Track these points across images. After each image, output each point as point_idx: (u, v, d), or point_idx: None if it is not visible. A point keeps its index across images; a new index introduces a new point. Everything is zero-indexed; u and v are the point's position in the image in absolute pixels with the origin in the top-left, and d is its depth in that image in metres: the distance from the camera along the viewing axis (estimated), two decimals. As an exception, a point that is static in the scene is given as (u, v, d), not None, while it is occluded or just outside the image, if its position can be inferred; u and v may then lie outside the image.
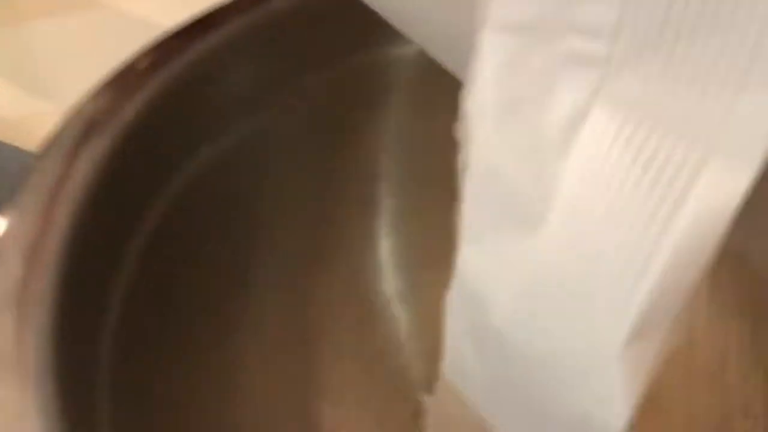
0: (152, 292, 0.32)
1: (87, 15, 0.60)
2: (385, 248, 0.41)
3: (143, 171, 0.32)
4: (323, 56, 0.37)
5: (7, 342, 0.24)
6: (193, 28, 0.33)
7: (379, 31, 0.32)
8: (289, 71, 0.36)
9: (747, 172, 0.20)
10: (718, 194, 0.20)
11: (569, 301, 0.23)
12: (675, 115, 0.21)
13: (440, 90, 0.29)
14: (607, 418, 0.22)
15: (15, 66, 0.55)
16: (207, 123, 0.34)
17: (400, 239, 0.41)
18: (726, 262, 0.25)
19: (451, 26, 0.28)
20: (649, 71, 0.21)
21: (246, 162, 0.36)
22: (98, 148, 0.30)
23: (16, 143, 0.45)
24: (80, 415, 0.25)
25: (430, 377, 0.28)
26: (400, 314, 0.40)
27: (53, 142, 0.30)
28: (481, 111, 0.24)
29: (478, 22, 0.24)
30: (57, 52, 0.56)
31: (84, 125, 0.30)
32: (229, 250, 0.36)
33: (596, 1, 0.22)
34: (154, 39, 0.32)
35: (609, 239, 0.22)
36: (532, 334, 0.24)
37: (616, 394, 0.22)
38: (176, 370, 0.32)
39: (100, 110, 0.31)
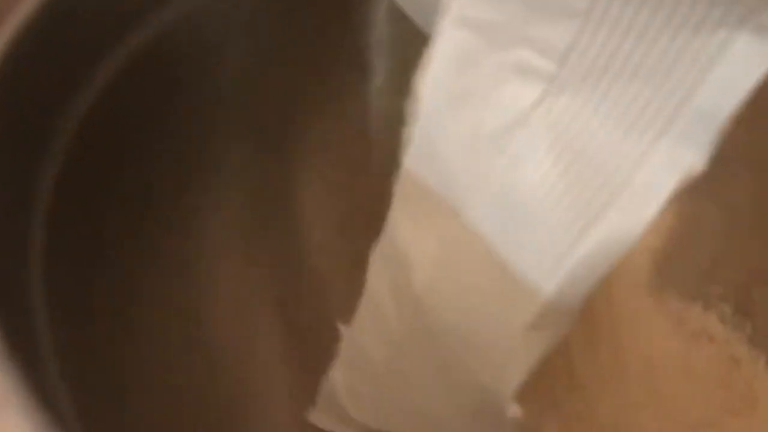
0: (84, 184, 0.31)
1: None
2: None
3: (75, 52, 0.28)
4: None
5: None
6: None
7: None
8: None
9: (644, 219, 0.23)
10: (620, 229, 0.23)
11: (486, 281, 0.25)
12: (599, 147, 0.23)
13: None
14: (502, 389, 0.25)
15: None
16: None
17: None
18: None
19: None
20: (587, 99, 0.23)
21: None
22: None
23: None
24: (16, 319, 0.26)
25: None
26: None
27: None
28: (431, 96, 0.25)
29: (441, 10, 0.25)
30: None
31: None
32: (187, 133, 0.33)
33: (555, 22, 0.23)
34: None
35: (527, 237, 0.25)
36: (448, 303, 0.27)
37: (512, 370, 0.25)
38: (128, 262, 0.30)
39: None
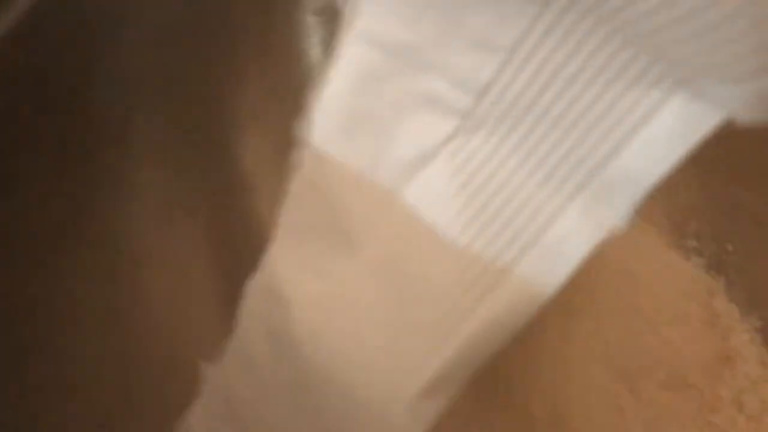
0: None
1: None
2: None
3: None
4: None
5: None
6: None
7: None
8: None
9: (555, 279, 0.20)
10: (527, 291, 0.21)
11: (375, 335, 0.22)
12: (512, 195, 0.21)
13: None
14: None
15: None
16: None
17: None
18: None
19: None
20: (503, 141, 0.21)
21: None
22: None
23: None
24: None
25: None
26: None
27: None
28: (326, 118, 0.22)
29: (344, 23, 0.22)
30: None
31: None
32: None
33: (475, 53, 0.20)
34: None
35: (425, 290, 0.22)
36: (330, 354, 0.23)
37: None
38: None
39: None
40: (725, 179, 0.35)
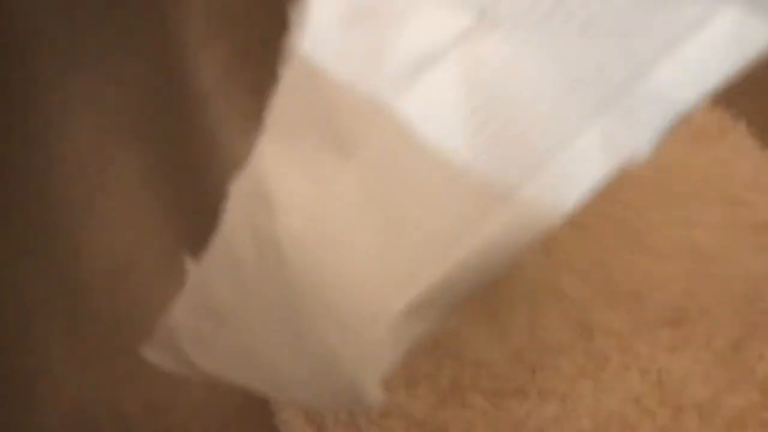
0: None
1: None
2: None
3: None
4: None
5: None
6: None
7: None
8: None
9: (563, 206, 0.19)
10: (531, 214, 0.19)
11: (364, 246, 0.21)
12: (527, 105, 0.18)
13: None
14: (362, 372, 0.21)
15: None
16: None
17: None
18: None
19: None
20: (522, 45, 0.18)
21: None
22: None
23: None
24: None
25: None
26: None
27: None
28: (322, 6, 0.20)
29: None
30: None
31: None
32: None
33: None
34: None
35: (422, 203, 0.20)
36: (314, 261, 0.22)
37: (377, 357, 0.21)
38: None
39: None
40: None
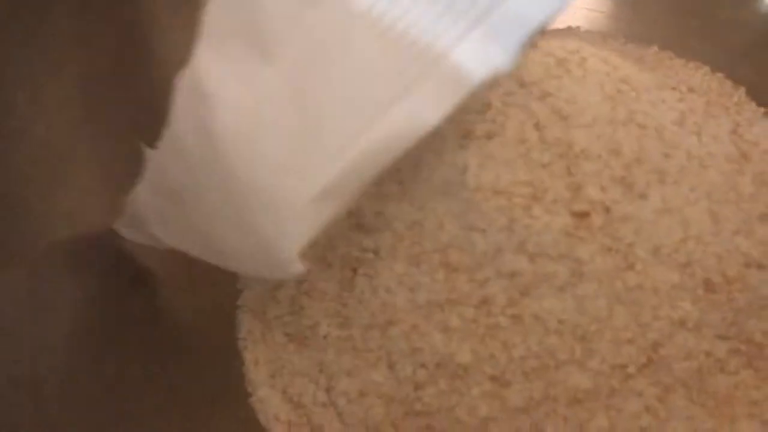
0: None
1: None
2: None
3: None
4: None
5: None
6: None
7: None
8: None
9: (446, 104, 0.23)
10: (421, 110, 0.23)
11: (285, 138, 0.25)
12: (418, 17, 0.23)
13: None
14: (285, 246, 0.25)
15: None
16: None
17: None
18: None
19: None
20: None
21: None
22: None
23: None
24: None
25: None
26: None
27: None
28: None
29: None
30: None
31: None
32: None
33: None
34: None
35: (333, 97, 0.24)
36: (245, 151, 0.25)
37: (296, 233, 0.25)
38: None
39: None
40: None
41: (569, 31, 0.43)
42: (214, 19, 0.25)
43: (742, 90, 0.39)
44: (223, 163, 0.25)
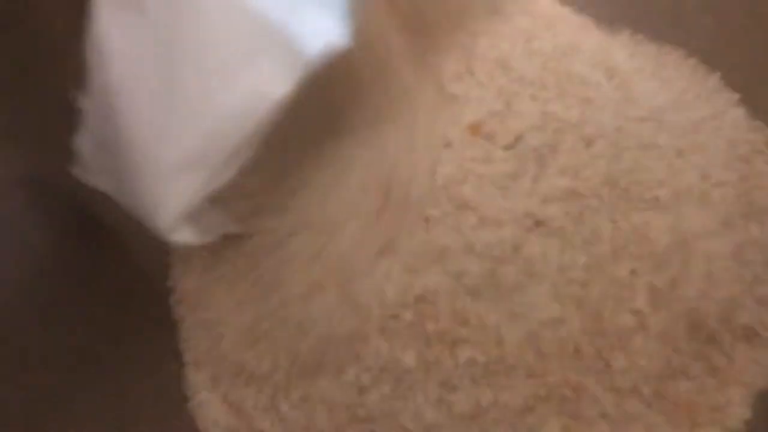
0: None
1: None
2: None
3: None
4: None
5: None
6: None
7: None
8: None
9: (290, 77, 0.24)
10: (267, 82, 0.24)
11: (155, 97, 0.25)
12: None
13: None
14: (158, 216, 0.26)
15: None
16: None
17: None
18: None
19: None
20: None
21: None
22: None
23: None
24: None
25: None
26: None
27: None
28: None
29: None
30: None
31: None
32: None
33: None
34: None
35: (190, 58, 0.25)
36: (129, 109, 0.26)
37: (166, 201, 0.26)
38: None
39: None
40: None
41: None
42: None
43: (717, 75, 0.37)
44: (115, 119, 0.26)
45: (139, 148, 0.26)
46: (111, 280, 0.32)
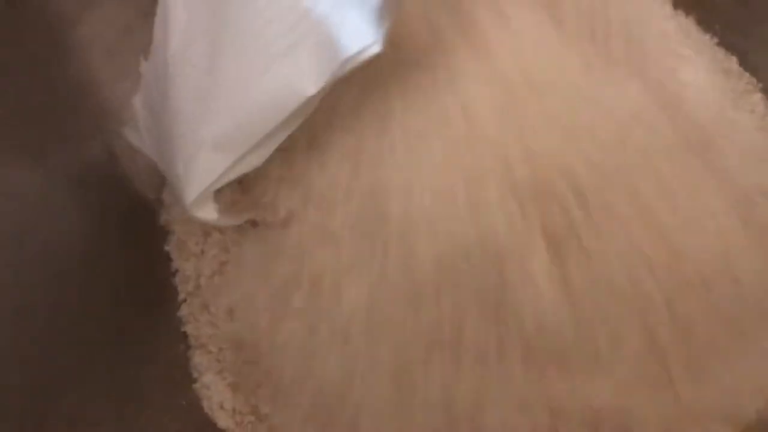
0: None
1: None
2: None
3: None
4: None
5: None
6: None
7: None
8: None
9: (316, 80, 0.24)
10: (293, 83, 0.25)
11: (199, 73, 0.27)
12: None
13: None
14: (183, 191, 0.27)
15: None
16: None
17: None
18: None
19: None
20: None
21: None
22: None
23: None
24: None
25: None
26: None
27: None
28: None
29: None
30: None
31: None
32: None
33: None
34: None
35: (232, 44, 0.26)
36: (176, 86, 0.27)
37: (192, 178, 0.27)
38: None
39: None
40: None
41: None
42: None
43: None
44: (168, 88, 0.27)
45: (181, 120, 0.27)
46: (114, 263, 0.32)
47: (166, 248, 0.34)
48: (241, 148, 0.26)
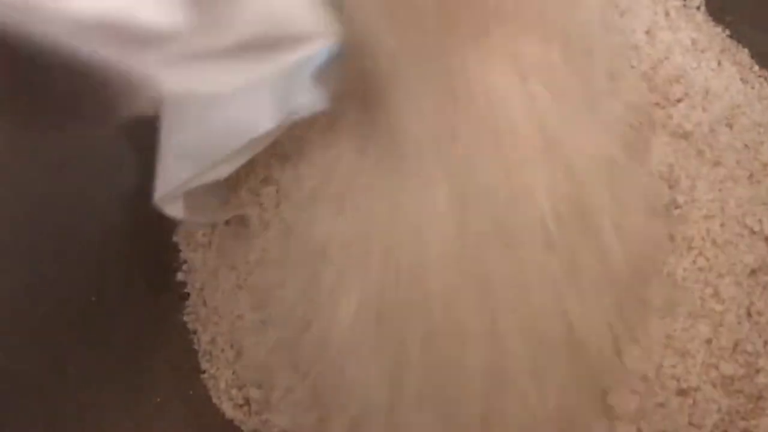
0: None
1: None
2: None
3: None
4: None
5: None
6: None
7: None
8: None
9: (269, 120, 0.26)
10: (250, 114, 0.26)
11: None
12: None
13: None
14: (157, 188, 0.28)
15: None
16: None
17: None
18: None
19: None
20: None
21: None
22: None
23: None
24: None
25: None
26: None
27: None
28: None
29: None
30: None
31: None
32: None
33: None
34: None
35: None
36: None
37: (162, 177, 0.28)
38: None
39: None
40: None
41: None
42: None
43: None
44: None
45: (163, 122, 0.28)
46: (123, 254, 0.33)
47: (174, 239, 0.35)
48: (201, 162, 0.28)
